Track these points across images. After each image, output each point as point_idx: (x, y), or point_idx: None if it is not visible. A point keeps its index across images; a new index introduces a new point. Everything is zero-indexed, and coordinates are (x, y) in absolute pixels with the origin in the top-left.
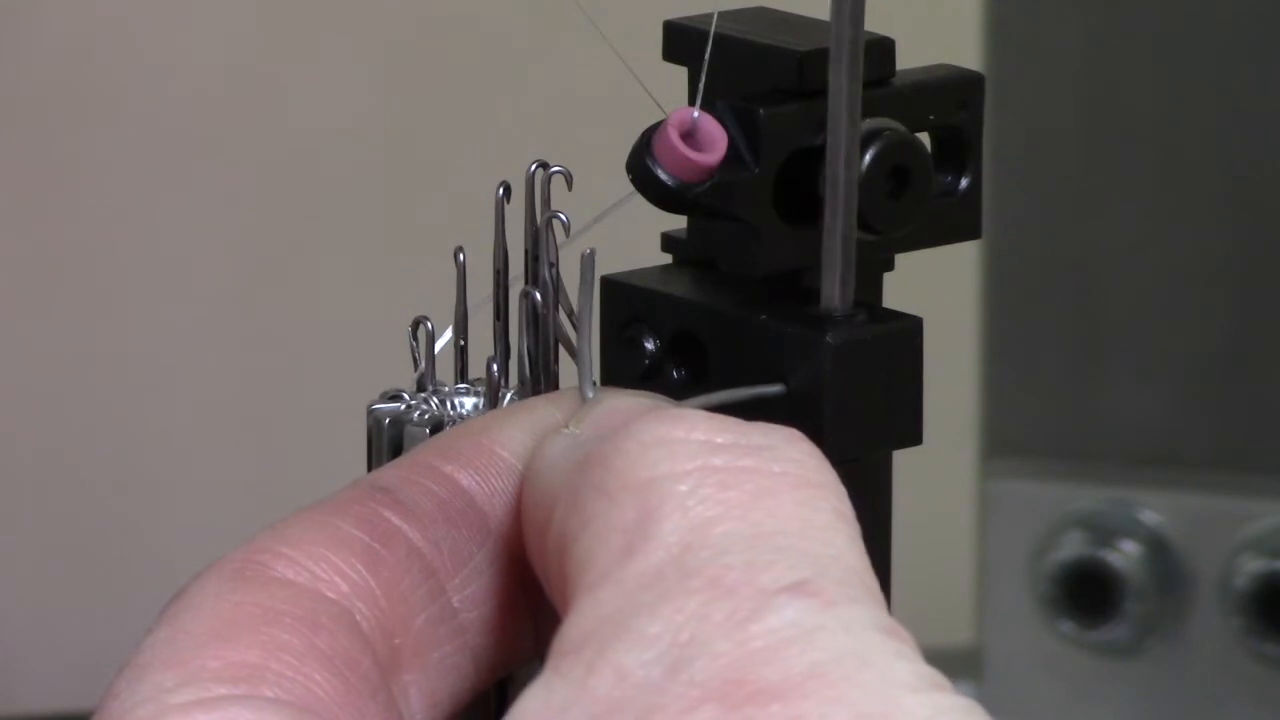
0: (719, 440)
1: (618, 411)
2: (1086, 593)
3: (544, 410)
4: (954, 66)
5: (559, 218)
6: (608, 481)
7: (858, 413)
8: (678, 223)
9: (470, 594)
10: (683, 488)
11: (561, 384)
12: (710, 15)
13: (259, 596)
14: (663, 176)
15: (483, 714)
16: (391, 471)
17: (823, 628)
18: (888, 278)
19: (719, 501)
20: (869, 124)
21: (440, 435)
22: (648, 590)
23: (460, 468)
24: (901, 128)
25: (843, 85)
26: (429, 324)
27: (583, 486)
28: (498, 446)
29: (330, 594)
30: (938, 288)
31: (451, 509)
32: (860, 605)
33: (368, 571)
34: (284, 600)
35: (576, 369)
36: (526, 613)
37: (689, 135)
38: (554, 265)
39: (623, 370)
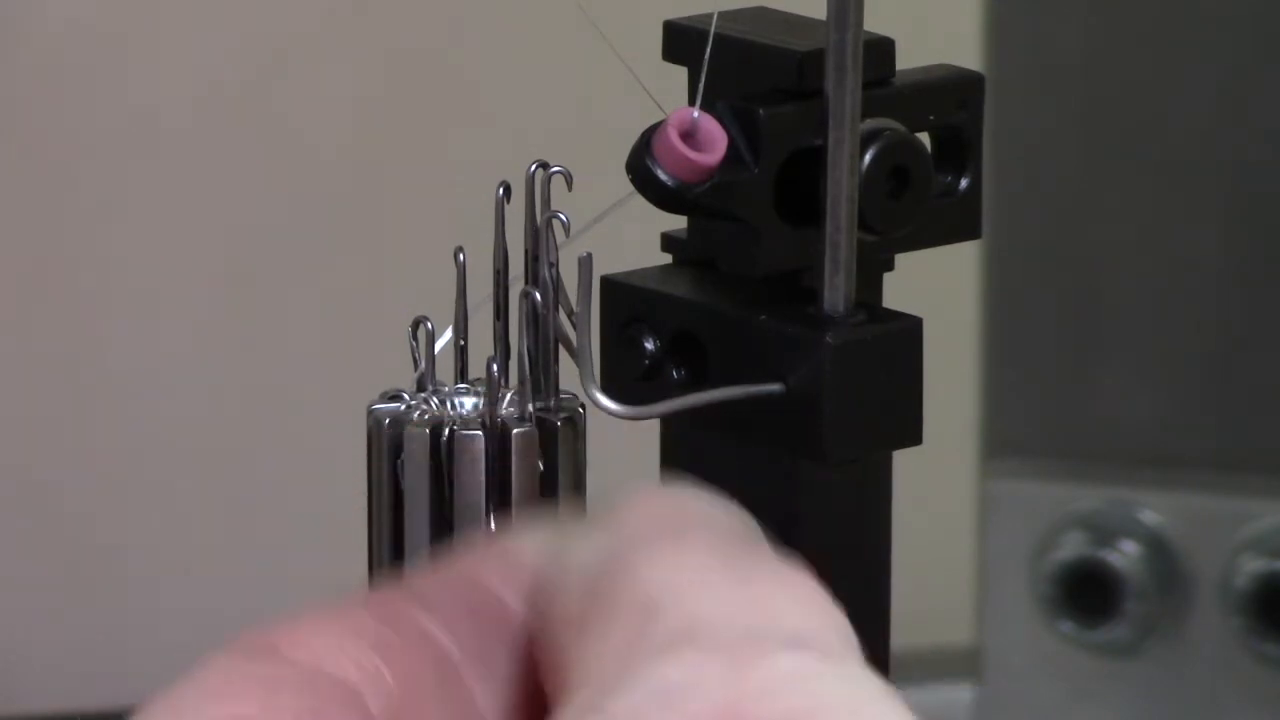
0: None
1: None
2: (1086, 593)
3: (557, 533)
4: (954, 66)
5: (559, 218)
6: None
7: (858, 413)
8: (678, 223)
9: (490, 689)
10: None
11: (561, 384)
12: (710, 15)
13: (265, 668)
14: (663, 176)
15: None
16: (418, 578)
17: (823, 675)
18: (888, 278)
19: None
20: (869, 124)
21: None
22: (637, 655)
23: (485, 568)
24: (901, 128)
25: (841, 86)
26: (429, 324)
27: (597, 598)
28: (519, 552)
29: (338, 675)
30: (938, 288)
31: (477, 606)
32: (856, 663)
33: (380, 658)
34: (289, 671)
35: (577, 369)
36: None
37: (689, 135)
38: (554, 265)
39: (623, 370)
